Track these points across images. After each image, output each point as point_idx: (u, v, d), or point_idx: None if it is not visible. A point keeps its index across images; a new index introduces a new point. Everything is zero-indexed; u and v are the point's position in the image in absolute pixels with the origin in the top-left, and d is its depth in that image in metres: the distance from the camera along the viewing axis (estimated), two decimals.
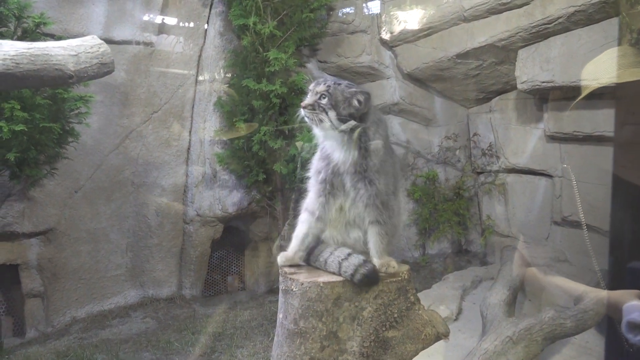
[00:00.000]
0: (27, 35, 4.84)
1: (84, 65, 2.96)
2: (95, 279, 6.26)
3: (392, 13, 7.15)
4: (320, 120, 2.38)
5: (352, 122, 2.37)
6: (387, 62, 7.37)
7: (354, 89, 2.41)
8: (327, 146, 2.52)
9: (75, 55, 2.94)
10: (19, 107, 4.61)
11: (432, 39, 6.78)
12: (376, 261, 2.48)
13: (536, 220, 6.49)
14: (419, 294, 2.70)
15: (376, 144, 2.43)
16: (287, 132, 6.58)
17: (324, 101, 2.38)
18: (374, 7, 7.45)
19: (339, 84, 2.42)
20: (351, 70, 7.49)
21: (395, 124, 7.62)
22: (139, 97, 6.47)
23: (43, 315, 5.94)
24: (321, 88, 2.40)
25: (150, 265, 6.58)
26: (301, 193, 2.73)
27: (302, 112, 2.40)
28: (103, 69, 3.07)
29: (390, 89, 7.43)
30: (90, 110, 5.36)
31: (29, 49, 2.80)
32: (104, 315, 6.15)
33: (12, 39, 4.61)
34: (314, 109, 2.38)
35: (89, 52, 2.99)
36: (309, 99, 2.40)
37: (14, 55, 2.73)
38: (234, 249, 7.44)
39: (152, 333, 5.64)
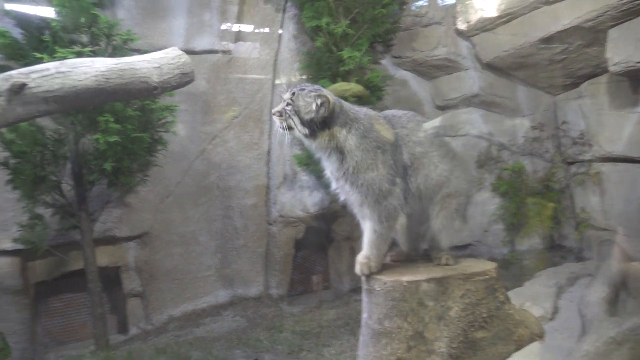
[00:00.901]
0: (117, 51, 5.16)
1: (166, 76, 3.11)
2: (188, 280, 6.56)
3: (467, 2, 6.91)
4: (289, 127, 2.43)
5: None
6: (464, 53, 7.13)
7: (313, 94, 2.40)
8: (319, 156, 2.57)
9: (159, 67, 3.10)
10: (112, 119, 4.93)
11: (512, 25, 6.47)
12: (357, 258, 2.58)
13: (637, 211, 6.01)
14: (509, 293, 2.58)
15: (350, 145, 2.41)
16: None
17: (289, 108, 2.42)
18: None
19: (303, 90, 2.44)
20: (427, 64, 7.32)
21: (476, 116, 7.36)
22: (220, 104, 6.70)
23: (143, 313, 6.32)
24: (287, 95, 2.45)
25: (237, 266, 6.80)
26: None
27: (274, 119, 2.47)
28: (184, 79, 3.21)
29: (469, 81, 7.18)
30: (175, 119, 5.62)
31: (117, 64, 2.98)
32: (198, 314, 6.42)
33: (103, 56, 4.94)
34: (281, 116, 2.44)
35: (170, 64, 3.14)
36: (278, 107, 2.47)
37: (104, 71, 2.92)
38: (317, 249, 7.51)
39: (242, 331, 5.82)
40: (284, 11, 6.97)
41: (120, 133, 4.97)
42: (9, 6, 5.06)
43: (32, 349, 5.60)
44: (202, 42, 6.49)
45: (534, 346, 2.50)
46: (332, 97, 2.40)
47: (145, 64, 3.06)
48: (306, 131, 2.41)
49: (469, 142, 7.43)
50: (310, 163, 6.80)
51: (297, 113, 2.41)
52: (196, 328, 6.06)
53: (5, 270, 5.49)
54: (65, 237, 5.66)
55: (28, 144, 4.84)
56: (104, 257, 5.96)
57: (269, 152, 7.00)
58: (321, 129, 2.40)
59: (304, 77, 7.01)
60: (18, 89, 2.69)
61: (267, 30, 6.93)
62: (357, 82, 6.40)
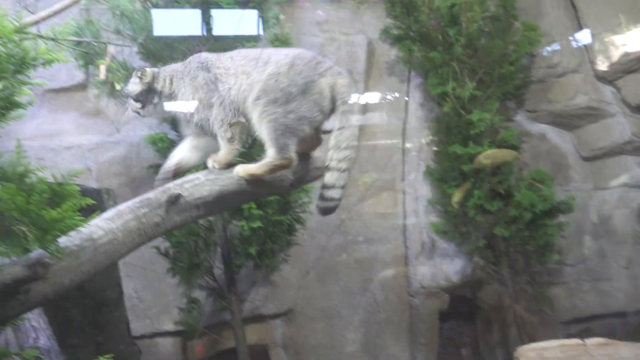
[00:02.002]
0: (252, 147, 5.55)
1: (301, 172, 3.27)
2: (333, 355, 6.56)
3: (606, 40, 6.46)
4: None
5: None
6: (608, 98, 6.59)
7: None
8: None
9: None
10: (254, 205, 5.27)
11: None
12: None
13: None
14: None
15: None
16: (503, 192, 6.23)
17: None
18: (584, 39, 6.78)
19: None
20: (566, 114, 6.85)
21: (631, 164, 6.68)
22: (353, 177, 6.84)
23: None
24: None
25: (381, 341, 6.67)
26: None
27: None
28: (317, 173, 3.34)
29: (617, 127, 6.58)
30: (312, 199, 5.82)
31: None
32: None
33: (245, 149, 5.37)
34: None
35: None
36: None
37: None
38: (464, 319, 7.13)
39: None
40: (408, 81, 7.07)
41: (262, 218, 5.29)
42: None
43: None
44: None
45: None
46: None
47: None
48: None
49: (626, 194, 6.72)
50: (448, 230, 6.62)
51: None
52: None
53: (169, 350, 5.98)
54: (217, 317, 6.04)
55: (184, 234, 5.33)
56: (253, 335, 6.22)
57: (404, 221, 6.94)
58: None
59: (434, 138, 6.92)
60: (174, 200, 2.99)
61: (393, 101, 7.06)
62: (491, 143, 6.21)
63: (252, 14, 5.57)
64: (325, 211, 3.04)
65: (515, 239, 6.21)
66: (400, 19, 6.65)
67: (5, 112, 2.61)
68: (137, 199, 3.00)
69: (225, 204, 3.20)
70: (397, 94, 7.07)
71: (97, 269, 2.75)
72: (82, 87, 5.99)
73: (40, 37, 2.99)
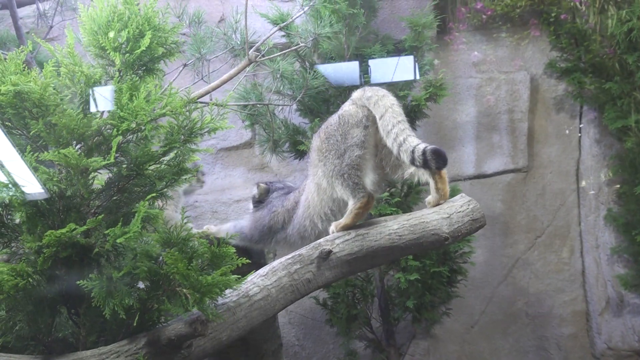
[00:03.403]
0: (408, 196, 5.46)
1: (456, 225, 3.09)
2: None
3: None
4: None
5: None
6: None
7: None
8: None
9: (448, 217, 3.10)
10: (411, 256, 5.10)
11: None
12: None
13: None
14: None
15: None
16: None
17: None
18: None
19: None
20: None
21: None
22: (519, 224, 6.34)
23: None
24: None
25: None
26: None
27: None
28: (475, 225, 3.13)
29: None
30: (473, 249, 5.50)
31: (408, 220, 3.12)
32: None
33: (397, 197, 5.30)
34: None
35: (459, 212, 3.11)
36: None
37: (396, 229, 3.08)
38: None
39: None
40: (580, 116, 6.40)
41: (420, 269, 5.09)
42: None
43: None
44: (493, 165, 6.38)
45: None
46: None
47: (435, 216, 3.10)
48: None
49: None
50: (638, 284, 5.70)
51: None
52: None
53: None
54: None
55: (341, 285, 5.35)
56: None
57: (583, 273, 6.17)
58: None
59: (616, 186, 6.12)
60: (326, 256, 3.02)
61: (563, 139, 6.44)
62: None
63: (393, 61, 5.59)
64: (437, 153, 2.96)
65: None
66: (567, 50, 6.12)
67: (176, 178, 2.89)
68: (289, 255, 3.09)
69: (376, 259, 3.14)
70: (567, 131, 6.46)
71: (252, 325, 2.85)
72: (249, 144, 6.51)
73: (207, 103, 3.29)
